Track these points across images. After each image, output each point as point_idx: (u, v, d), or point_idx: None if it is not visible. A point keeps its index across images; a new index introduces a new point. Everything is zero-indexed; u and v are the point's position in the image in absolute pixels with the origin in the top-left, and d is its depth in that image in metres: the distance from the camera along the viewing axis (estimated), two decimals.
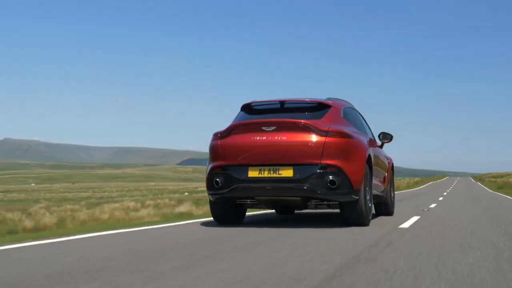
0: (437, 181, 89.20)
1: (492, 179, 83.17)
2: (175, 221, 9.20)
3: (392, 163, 10.95)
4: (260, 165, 7.53)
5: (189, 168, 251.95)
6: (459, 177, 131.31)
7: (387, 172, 10.31)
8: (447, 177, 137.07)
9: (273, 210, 11.83)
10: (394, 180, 11.36)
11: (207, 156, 8.16)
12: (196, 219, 9.77)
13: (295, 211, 11.27)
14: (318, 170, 7.38)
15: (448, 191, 35.40)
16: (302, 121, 7.58)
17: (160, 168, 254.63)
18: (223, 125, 8.16)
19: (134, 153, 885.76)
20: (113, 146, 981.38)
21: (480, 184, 64.40)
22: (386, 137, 10.25)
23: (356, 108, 9.68)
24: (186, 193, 37.96)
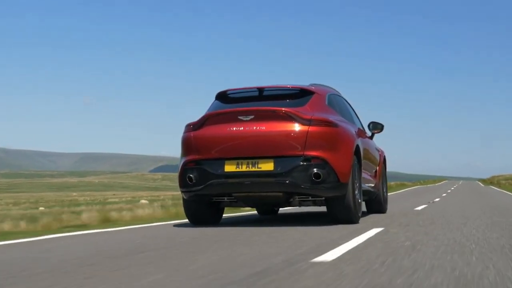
0: (429, 185, 63.74)
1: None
2: None
3: (384, 156, 11.06)
4: (238, 158, 7.60)
5: (159, 175, 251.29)
6: (461, 181, 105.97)
7: (378, 166, 10.41)
8: (446, 181, 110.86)
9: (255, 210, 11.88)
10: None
11: None
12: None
13: (279, 211, 11.34)
14: (301, 163, 7.45)
15: (431, 202, 16.65)
16: (283, 109, 7.65)
17: (125, 176, 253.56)
18: None
19: (102, 160, 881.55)
20: (79, 152, 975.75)
21: (497, 189, 43.16)
22: (377, 127, 10.34)
23: (343, 95, 9.78)
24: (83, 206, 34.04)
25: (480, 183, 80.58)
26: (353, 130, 8.48)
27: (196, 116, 8.21)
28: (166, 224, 9.03)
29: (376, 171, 10.23)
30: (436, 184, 68.82)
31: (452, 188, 42.42)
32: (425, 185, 63.63)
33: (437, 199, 19.04)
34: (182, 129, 8.18)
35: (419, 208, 12.94)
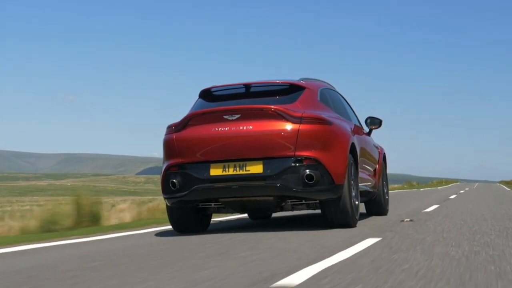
0: (423, 189, 44.85)
1: None
2: None
3: (384, 153, 11.21)
4: (224, 160, 7.72)
5: (142, 178, 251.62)
6: (477, 183, 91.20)
7: (377, 164, 10.56)
8: (457, 183, 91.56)
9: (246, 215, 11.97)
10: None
11: None
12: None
13: (273, 215, 11.43)
14: (293, 164, 7.57)
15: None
16: (271, 106, 7.77)
17: (105, 179, 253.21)
18: None
19: (86, 161, 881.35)
20: (61, 153, 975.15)
21: None
22: (375, 122, 10.45)
23: (338, 89, 9.86)
24: None
25: (503, 186, 62.18)
26: (348, 127, 8.60)
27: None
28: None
29: (375, 170, 10.38)
30: (439, 188, 50.16)
31: (462, 191, 30.14)
32: (417, 189, 46.85)
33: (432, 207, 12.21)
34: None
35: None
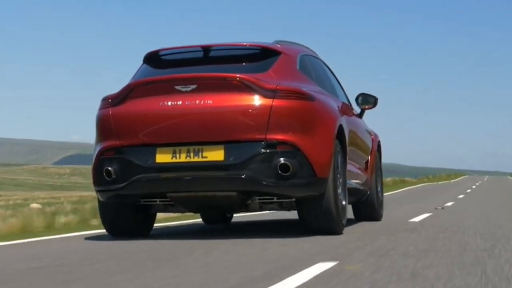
0: (406, 189, 40.48)
1: None
2: None
3: (379, 141, 11.28)
4: (174, 144, 7.69)
5: (66, 169, 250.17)
6: (487, 176, 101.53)
7: (370, 155, 10.60)
8: (466, 176, 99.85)
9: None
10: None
11: None
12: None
13: (233, 217, 11.38)
14: (263, 150, 7.56)
15: None
16: (237, 75, 7.75)
17: (21, 170, 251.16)
18: None
19: None
20: None
21: None
22: (368, 101, 10.42)
23: (322, 57, 9.85)
24: None
25: None
26: (335, 104, 8.60)
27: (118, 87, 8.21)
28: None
29: (367, 162, 10.41)
30: (440, 183, 48.25)
31: (471, 189, 29.30)
32: (404, 188, 40.86)
33: None
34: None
35: None
